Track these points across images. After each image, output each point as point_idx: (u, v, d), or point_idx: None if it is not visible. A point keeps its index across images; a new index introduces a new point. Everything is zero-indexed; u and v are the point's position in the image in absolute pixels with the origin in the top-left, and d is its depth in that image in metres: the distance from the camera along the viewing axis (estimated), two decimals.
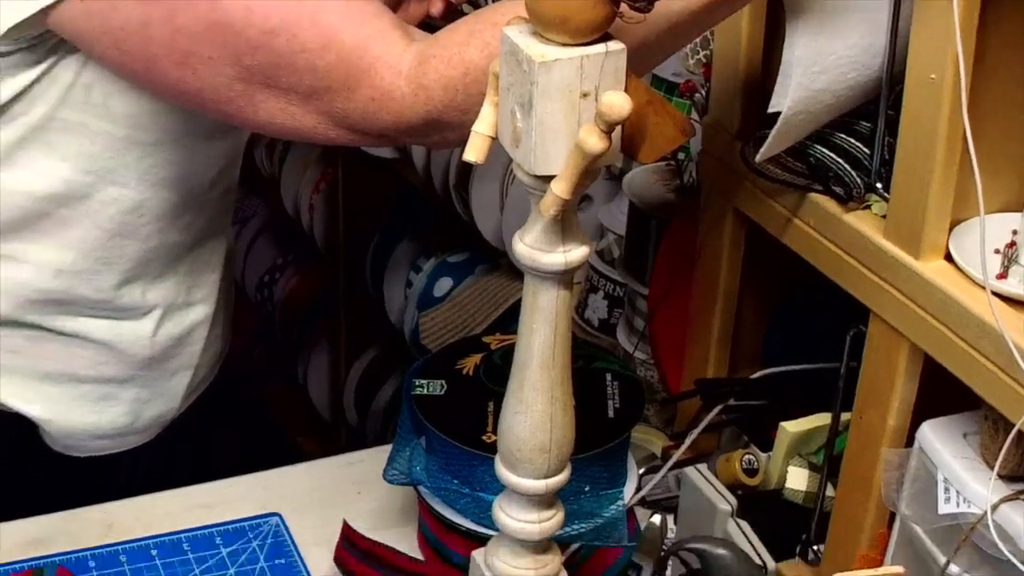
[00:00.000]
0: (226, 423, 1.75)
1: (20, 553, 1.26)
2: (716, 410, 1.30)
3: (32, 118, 1.22)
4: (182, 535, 1.28)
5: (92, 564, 1.26)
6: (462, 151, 0.90)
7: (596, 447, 1.16)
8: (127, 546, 1.27)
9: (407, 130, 1.10)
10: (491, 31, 1.02)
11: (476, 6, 1.66)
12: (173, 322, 1.41)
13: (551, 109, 0.82)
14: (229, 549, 1.29)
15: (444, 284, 2.18)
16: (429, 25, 1.36)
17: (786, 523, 1.24)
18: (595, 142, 0.79)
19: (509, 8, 0.95)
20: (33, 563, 1.24)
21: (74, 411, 1.39)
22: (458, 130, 1.05)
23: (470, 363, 1.29)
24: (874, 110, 1.09)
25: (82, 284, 1.33)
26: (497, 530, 1.02)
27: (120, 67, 1.17)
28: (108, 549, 1.27)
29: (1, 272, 1.31)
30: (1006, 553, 0.93)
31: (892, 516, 1.09)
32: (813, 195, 1.11)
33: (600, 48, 0.80)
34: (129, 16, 1.08)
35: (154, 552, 1.26)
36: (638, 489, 1.27)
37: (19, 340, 1.34)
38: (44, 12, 1.08)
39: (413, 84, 1.05)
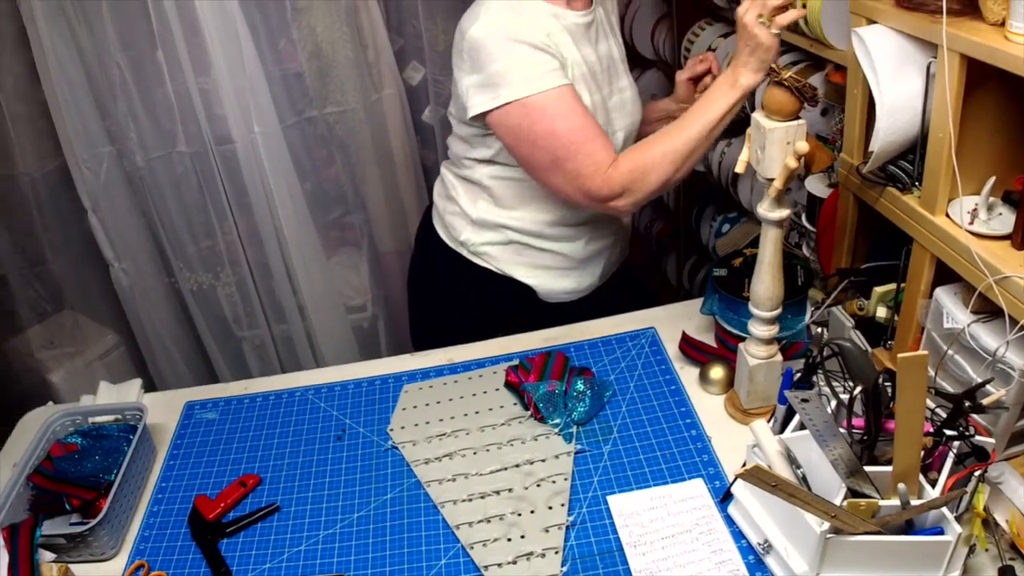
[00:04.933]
0: (625, 288, 2.01)
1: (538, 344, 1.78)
2: (845, 282, 1.60)
3: (501, 156, 1.70)
4: (599, 340, 1.77)
5: (576, 351, 1.70)
6: (734, 166, 1.24)
7: (792, 297, 1.47)
8: (564, 345, 1.72)
9: (602, 198, 1.49)
10: (647, 150, 1.46)
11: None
12: (593, 244, 1.87)
13: (773, 149, 1.18)
14: (625, 346, 1.75)
15: (725, 227, 2.62)
16: None
17: (877, 332, 1.56)
18: (793, 163, 1.16)
19: (659, 138, 1.43)
20: (546, 349, 1.69)
21: (549, 282, 1.85)
22: (630, 199, 1.49)
23: (738, 261, 1.64)
24: (915, 148, 1.37)
25: (551, 230, 1.79)
26: (749, 334, 1.43)
27: (505, 142, 1.63)
28: (559, 346, 1.71)
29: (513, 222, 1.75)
30: (974, 345, 1.26)
31: (923, 329, 1.40)
32: (889, 188, 1.41)
33: (795, 122, 1.19)
34: (511, 125, 1.55)
35: (587, 349, 1.74)
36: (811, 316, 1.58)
37: (522, 248, 1.81)
38: (483, 114, 1.57)
39: (606, 176, 1.50)
